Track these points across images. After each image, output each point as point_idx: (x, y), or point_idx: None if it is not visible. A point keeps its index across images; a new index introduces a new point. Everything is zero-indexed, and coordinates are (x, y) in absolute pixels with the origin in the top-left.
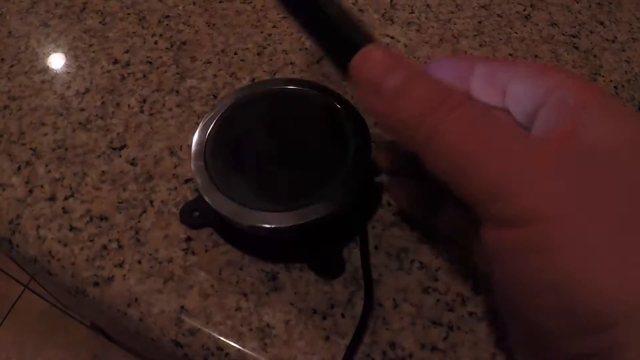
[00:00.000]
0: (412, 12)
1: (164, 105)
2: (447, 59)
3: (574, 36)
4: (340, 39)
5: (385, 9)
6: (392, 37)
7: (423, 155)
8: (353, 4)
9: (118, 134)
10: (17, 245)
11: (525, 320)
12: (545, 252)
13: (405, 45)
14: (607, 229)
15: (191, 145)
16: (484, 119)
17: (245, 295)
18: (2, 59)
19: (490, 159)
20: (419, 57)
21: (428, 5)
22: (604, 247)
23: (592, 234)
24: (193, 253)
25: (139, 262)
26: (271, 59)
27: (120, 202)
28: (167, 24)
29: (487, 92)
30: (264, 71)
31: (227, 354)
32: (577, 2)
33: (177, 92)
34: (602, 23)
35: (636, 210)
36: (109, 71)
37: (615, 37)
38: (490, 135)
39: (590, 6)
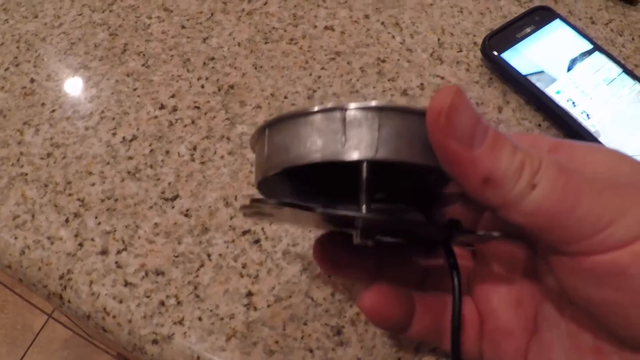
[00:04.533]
0: (461, 51)
1: (215, 152)
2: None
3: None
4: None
5: (433, 48)
6: (442, 77)
7: (513, 210)
8: (400, 43)
9: (169, 183)
10: (69, 301)
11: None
12: None
13: None
14: None
15: None
16: (564, 170)
17: (311, 351)
18: (43, 104)
19: (589, 200)
20: (470, 98)
21: (475, 44)
22: None
23: None
24: (255, 308)
25: (200, 318)
26: (322, 103)
27: (176, 256)
28: (212, 67)
29: None
30: None
31: None
32: (621, 36)
33: (228, 138)
34: None
35: None
36: (155, 117)
37: None
38: (578, 181)
39: (633, 39)
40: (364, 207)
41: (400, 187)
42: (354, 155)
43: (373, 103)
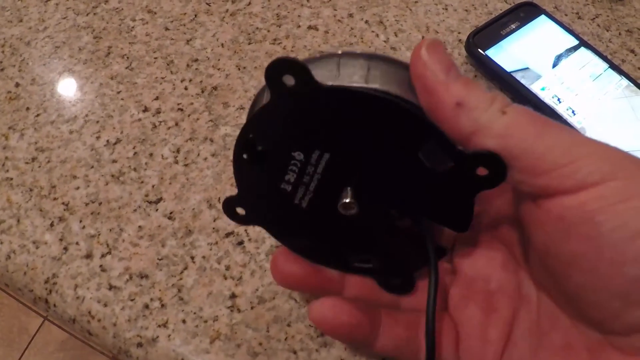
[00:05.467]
0: (445, 49)
1: (198, 155)
2: None
3: None
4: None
5: None
6: None
7: (483, 135)
8: (385, 42)
9: (153, 186)
10: (55, 305)
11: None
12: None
13: None
14: None
15: None
16: (535, 112)
17: (294, 352)
18: (27, 108)
19: (558, 132)
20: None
21: (460, 41)
22: None
23: None
24: (239, 310)
25: (184, 321)
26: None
27: (160, 259)
28: (196, 68)
29: None
30: None
31: None
32: (607, 31)
33: (212, 140)
34: (632, 51)
35: None
36: (139, 119)
37: None
38: (549, 120)
39: (620, 34)
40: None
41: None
42: (345, 82)
43: (365, 51)
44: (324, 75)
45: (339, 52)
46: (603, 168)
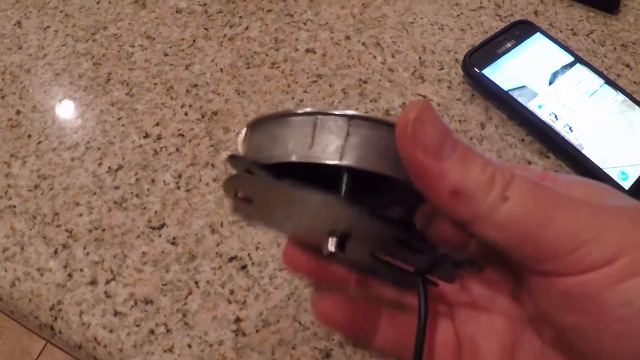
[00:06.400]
0: (442, 69)
1: (200, 180)
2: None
3: None
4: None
5: (415, 67)
6: (424, 96)
7: (484, 223)
8: (382, 63)
9: (156, 212)
10: (60, 332)
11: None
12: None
13: (438, 104)
14: None
15: None
16: (539, 186)
17: None
18: (29, 136)
19: (563, 217)
20: (452, 116)
21: (457, 60)
22: None
23: None
24: (243, 334)
25: (189, 345)
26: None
27: (164, 284)
28: (195, 94)
29: None
30: None
31: None
32: (602, 46)
33: (213, 165)
34: (628, 65)
35: None
36: (140, 145)
37: None
38: (554, 198)
39: (615, 49)
40: (342, 192)
41: (383, 195)
42: (317, 155)
43: (345, 111)
44: (296, 142)
45: (318, 111)
46: (609, 252)
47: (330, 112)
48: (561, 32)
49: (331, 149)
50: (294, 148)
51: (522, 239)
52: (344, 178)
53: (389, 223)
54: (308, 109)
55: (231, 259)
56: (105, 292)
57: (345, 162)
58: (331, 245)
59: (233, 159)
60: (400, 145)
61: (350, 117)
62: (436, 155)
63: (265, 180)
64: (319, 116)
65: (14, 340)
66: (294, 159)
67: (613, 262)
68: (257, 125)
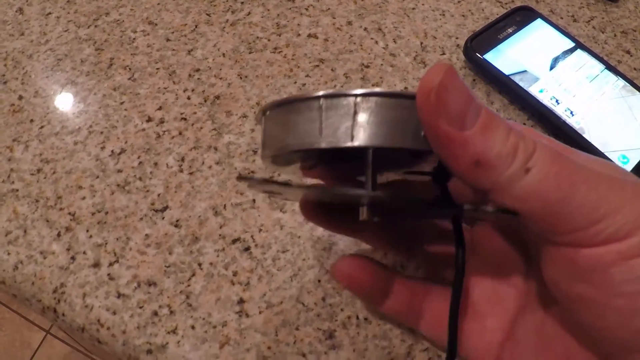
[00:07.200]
0: (444, 54)
1: (203, 163)
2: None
3: None
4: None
5: (416, 52)
6: None
7: (504, 194)
8: (384, 48)
9: (159, 195)
10: (63, 314)
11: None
12: None
13: None
14: None
15: None
16: (561, 157)
17: (303, 355)
18: (31, 120)
19: (583, 191)
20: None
21: (458, 46)
22: None
23: None
24: (247, 315)
25: (193, 327)
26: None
27: (167, 266)
28: (198, 78)
29: None
30: None
31: None
32: (603, 33)
33: (216, 148)
34: (628, 52)
35: None
36: (143, 129)
37: None
38: (575, 170)
39: (615, 36)
40: (369, 185)
41: (409, 163)
42: (329, 140)
43: (351, 90)
44: (305, 131)
45: (321, 94)
46: (625, 228)
47: (339, 93)
48: (562, 18)
49: (341, 131)
50: (303, 137)
51: (540, 212)
52: (368, 159)
53: (420, 201)
54: (311, 94)
55: (234, 241)
56: (109, 275)
57: (356, 142)
58: (363, 213)
59: (243, 180)
60: (421, 114)
61: (358, 96)
62: (460, 125)
63: (283, 186)
64: (326, 99)
65: (14, 332)
66: (323, 145)
67: (627, 238)
68: (272, 110)
